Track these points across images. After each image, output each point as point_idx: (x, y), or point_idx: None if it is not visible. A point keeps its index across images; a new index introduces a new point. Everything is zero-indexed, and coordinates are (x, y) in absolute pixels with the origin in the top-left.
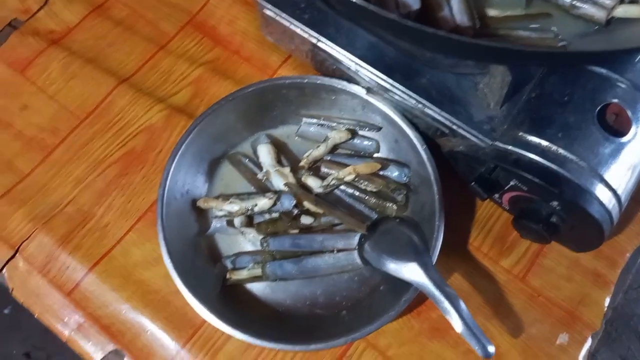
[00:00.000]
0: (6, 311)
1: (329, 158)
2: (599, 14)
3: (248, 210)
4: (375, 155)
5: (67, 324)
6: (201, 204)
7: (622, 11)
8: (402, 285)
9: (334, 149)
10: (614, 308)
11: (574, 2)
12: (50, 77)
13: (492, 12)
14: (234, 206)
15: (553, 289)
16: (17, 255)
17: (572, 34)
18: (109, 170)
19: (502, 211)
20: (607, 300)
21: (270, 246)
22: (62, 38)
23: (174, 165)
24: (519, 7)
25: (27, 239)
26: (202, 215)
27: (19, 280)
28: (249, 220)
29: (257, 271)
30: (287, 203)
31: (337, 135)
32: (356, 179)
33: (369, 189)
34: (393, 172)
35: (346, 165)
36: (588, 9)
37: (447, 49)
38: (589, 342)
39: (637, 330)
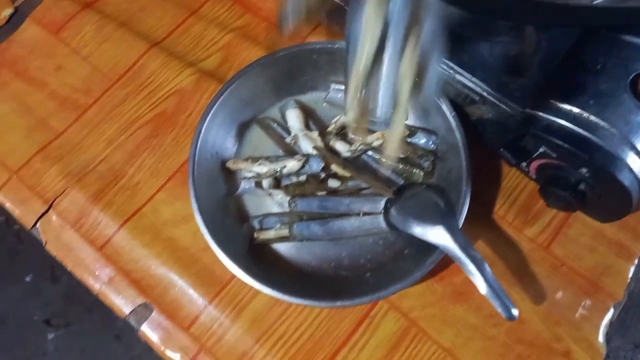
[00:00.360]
0: (27, 279)
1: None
2: None
3: (276, 172)
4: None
5: (98, 277)
6: (230, 165)
7: None
8: (427, 249)
9: None
10: (630, 295)
11: None
12: (84, 40)
13: None
14: (262, 168)
15: (576, 258)
16: (50, 210)
17: None
18: (140, 131)
19: (527, 181)
20: (631, 271)
21: (298, 207)
22: (95, 2)
23: (205, 126)
24: None
25: (60, 194)
26: (231, 176)
27: (52, 234)
28: (277, 182)
29: (284, 232)
30: (315, 166)
31: None
32: (384, 145)
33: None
34: (420, 139)
35: (374, 132)
36: None
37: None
38: (611, 312)
39: None
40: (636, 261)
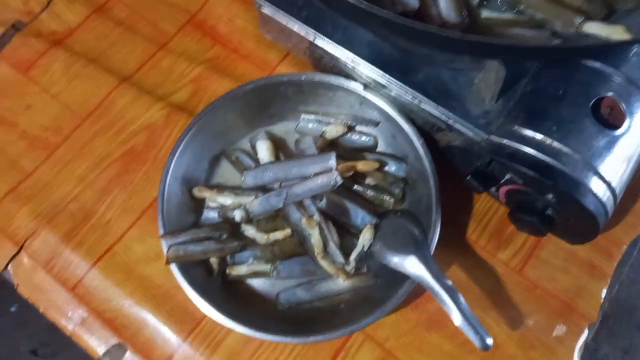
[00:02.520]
0: (13, 309)
1: None
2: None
3: (241, 205)
4: (374, 150)
5: (71, 318)
6: (196, 192)
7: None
8: (399, 277)
9: (331, 144)
10: (617, 301)
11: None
12: (53, 78)
13: (485, 14)
14: (227, 199)
15: (550, 280)
16: (21, 251)
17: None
18: (111, 168)
19: (499, 205)
20: (604, 292)
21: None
22: (64, 39)
23: (173, 162)
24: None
25: (31, 235)
26: (201, 210)
27: (23, 276)
28: (249, 216)
29: (257, 267)
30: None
31: (334, 129)
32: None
33: (367, 182)
34: (391, 167)
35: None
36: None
37: (439, 45)
38: (585, 333)
39: None
40: (609, 281)
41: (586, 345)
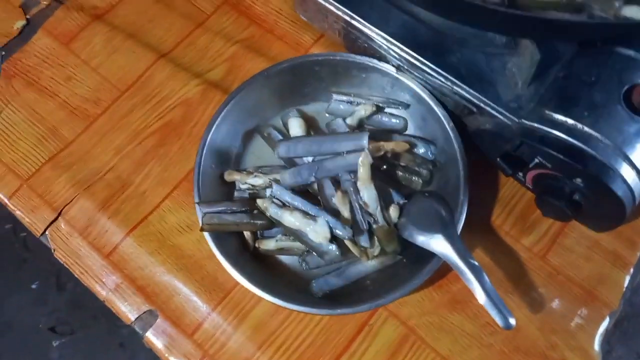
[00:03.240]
0: (34, 286)
1: None
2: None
3: (271, 182)
4: (404, 132)
5: (105, 284)
6: (226, 176)
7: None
8: (425, 257)
9: (360, 125)
10: (631, 305)
11: None
12: (94, 51)
13: None
14: (257, 180)
15: (573, 268)
16: (59, 218)
17: None
18: (147, 141)
19: (524, 191)
20: (627, 280)
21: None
22: (105, 13)
23: (209, 137)
24: None
25: (69, 203)
26: (234, 185)
27: (60, 241)
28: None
29: (285, 243)
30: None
31: (363, 109)
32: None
33: (396, 163)
34: (420, 149)
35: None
36: None
37: (480, 20)
38: (606, 321)
39: None
40: (632, 270)
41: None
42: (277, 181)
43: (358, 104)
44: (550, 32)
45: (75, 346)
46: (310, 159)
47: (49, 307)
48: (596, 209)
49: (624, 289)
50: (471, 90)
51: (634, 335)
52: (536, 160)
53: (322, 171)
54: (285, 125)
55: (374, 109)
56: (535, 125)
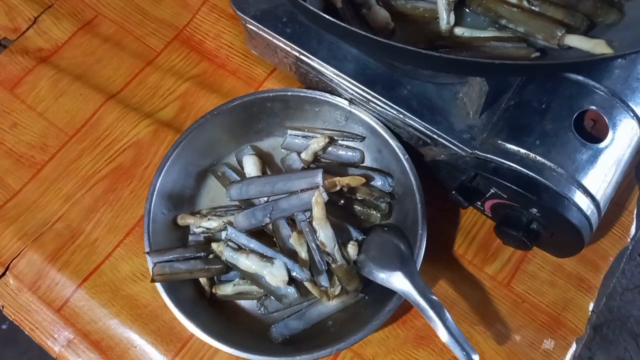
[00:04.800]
0: (4, 326)
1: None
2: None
3: (225, 225)
4: (360, 165)
5: (57, 340)
6: (179, 221)
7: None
8: (387, 292)
9: (316, 159)
10: (610, 310)
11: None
12: (40, 95)
13: (466, 33)
14: (211, 223)
15: (537, 294)
16: (7, 272)
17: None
18: (98, 186)
19: (485, 219)
20: (591, 305)
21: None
22: (50, 56)
23: (160, 180)
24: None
25: (17, 256)
26: (188, 228)
27: (9, 297)
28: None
29: (243, 287)
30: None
31: (316, 143)
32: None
33: (353, 197)
34: (377, 182)
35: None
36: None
37: (418, 63)
38: (573, 347)
39: (634, 332)
40: (596, 294)
41: (580, 354)
42: (231, 223)
43: (313, 138)
44: (492, 73)
45: None
46: (264, 199)
47: (20, 347)
48: (555, 237)
49: (589, 314)
50: (423, 122)
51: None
52: (492, 191)
53: (277, 211)
54: (240, 163)
55: (327, 140)
56: (488, 156)
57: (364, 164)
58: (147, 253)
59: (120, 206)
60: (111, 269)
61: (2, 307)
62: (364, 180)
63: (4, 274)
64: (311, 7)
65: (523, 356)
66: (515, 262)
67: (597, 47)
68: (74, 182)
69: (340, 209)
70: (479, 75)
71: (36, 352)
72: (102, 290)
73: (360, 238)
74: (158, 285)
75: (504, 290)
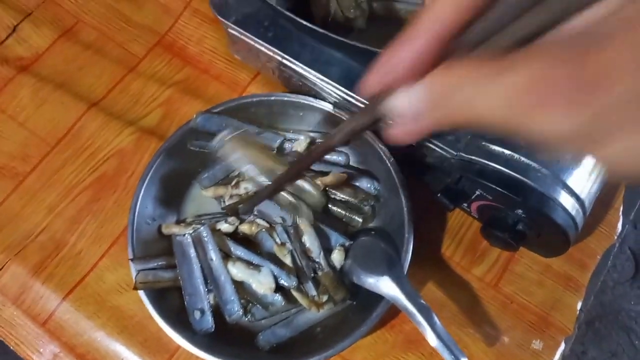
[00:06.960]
0: None
1: None
2: None
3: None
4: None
5: (42, 354)
6: (163, 230)
7: None
8: (375, 297)
9: None
10: (601, 304)
11: None
12: (21, 104)
13: None
14: None
15: (525, 294)
16: None
17: None
18: (81, 196)
19: (472, 220)
20: (579, 304)
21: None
22: (31, 64)
23: (143, 189)
24: None
25: (0, 269)
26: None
27: None
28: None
29: None
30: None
31: (298, 145)
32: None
33: (337, 197)
34: (362, 184)
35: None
36: None
37: None
38: (562, 347)
39: (626, 326)
40: (584, 292)
41: (572, 349)
42: (216, 230)
43: (294, 141)
44: None
45: None
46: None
47: (10, 358)
48: (541, 237)
49: (577, 312)
50: None
51: (606, 335)
52: (477, 193)
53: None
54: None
55: (308, 140)
56: (473, 157)
57: (349, 165)
58: (131, 260)
59: (105, 216)
60: (96, 280)
61: None
62: (345, 176)
63: None
64: None
65: (512, 357)
66: (502, 263)
67: None
68: (57, 192)
69: (323, 214)
70: None
71: None
72: (87, 302)
73: (347, 244)
74: (142, 295)
75: (492, 291)
